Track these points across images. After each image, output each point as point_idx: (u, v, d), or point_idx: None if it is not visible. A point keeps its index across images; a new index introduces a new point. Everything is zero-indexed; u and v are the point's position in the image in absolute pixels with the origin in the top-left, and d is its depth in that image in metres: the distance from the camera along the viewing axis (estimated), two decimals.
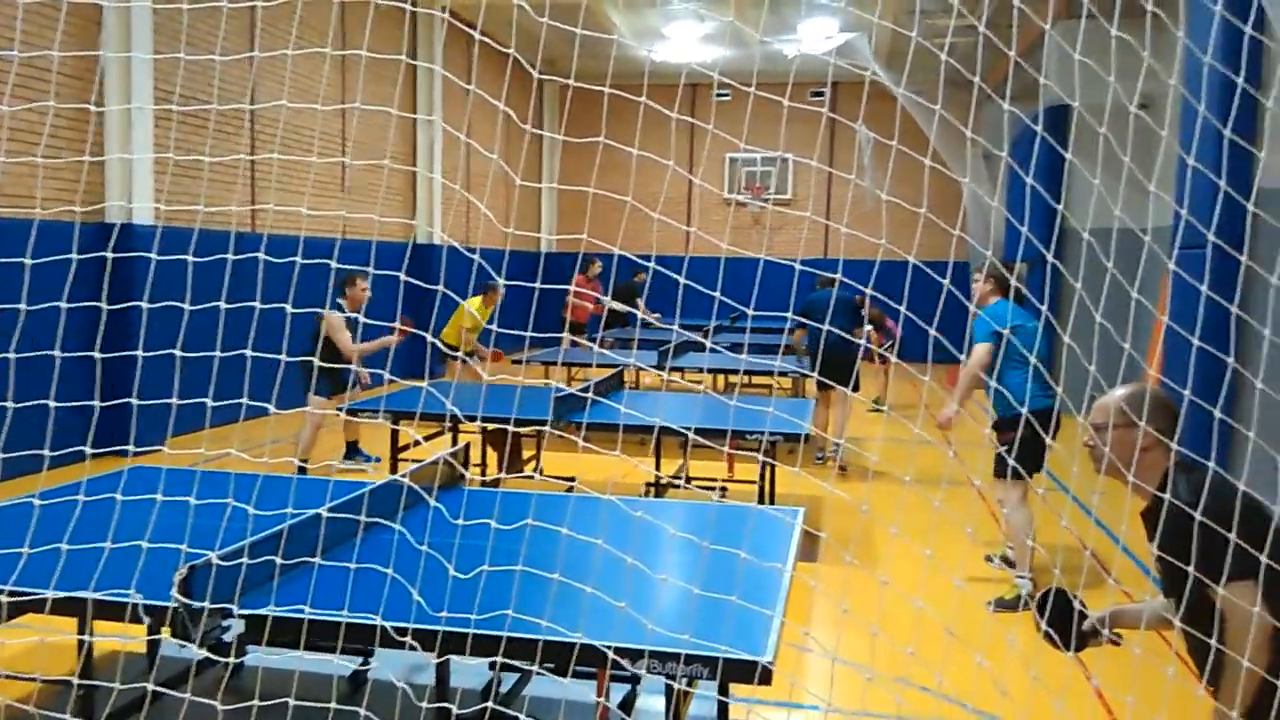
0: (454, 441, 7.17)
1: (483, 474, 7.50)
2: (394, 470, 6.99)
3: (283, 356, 2.61)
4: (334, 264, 2.81)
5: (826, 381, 8.79)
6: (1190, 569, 2.33)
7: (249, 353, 2.61)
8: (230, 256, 2.74)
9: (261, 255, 2.82)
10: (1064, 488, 7.77)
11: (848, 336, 7.53)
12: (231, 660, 2.63)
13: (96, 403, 2.74)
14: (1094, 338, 2.65)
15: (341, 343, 7.72)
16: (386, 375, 3.20)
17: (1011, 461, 5.13)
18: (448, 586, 2.70)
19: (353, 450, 8.65)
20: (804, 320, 8.87)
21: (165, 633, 2.67)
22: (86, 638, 3.26)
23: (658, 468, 7.38)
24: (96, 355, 2.90)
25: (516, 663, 2.56)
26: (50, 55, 6.82)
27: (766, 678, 2.46)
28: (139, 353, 2.81)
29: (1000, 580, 5.93)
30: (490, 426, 6.84)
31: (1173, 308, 6.87)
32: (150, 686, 2.78)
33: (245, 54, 9.96)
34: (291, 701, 2.56)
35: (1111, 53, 2.51)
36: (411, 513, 3.63)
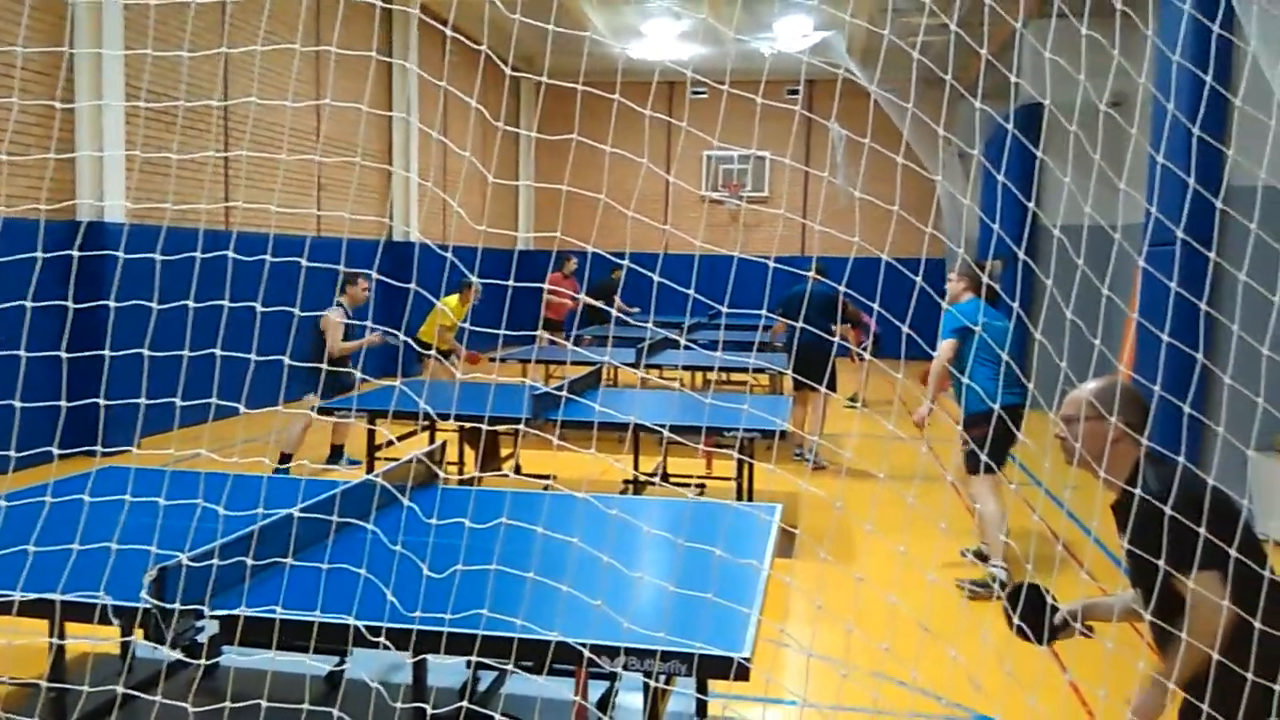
0: (431, 440, 7.14)
1: (460, 472, 7.47)
2: (370, 469, 6.96)
3: (253, 356, 2.59)
4: (304, 261, 2.78)
5: (802, 380, 8.83)
6: (1157, 560, 2.37)
7: (218, 352, 2.58)
8: (198, 255, 2.71)
9: (230, 253, 2.79)
10: (1037, 481, 7.84)
11: (822, 334, 7.55)
12: (203, 662, 2.60)
13: (63, 403, 2.71)
14: (1065, 334, 2.67)
15: (331, 340, 7.80)
16: (359, 375, 3.17)
17: (984, 457, 5.20)
18: (421, 585, 2.69)
19: (337, 454, 8.60)
20: (783, 316, 8.92)
21: (139, 634, 2.65)
22: (55, 640, 3.22)
23: (636, 465, 7.37)
24: (63, 355, 2.86)
25: (492, 661, 2.55)
26: (14, 51, 6.72)
27: (744, 674, 2.46)
28: (106, 352, 2.77)
29: (974, 573, 5.97)
30: (467, 425, 6.82)
31: (1143, 304, 6.95)
32: (120, 689, 2.75)
33: (217, 50, 9.87)
34: (264, 703, 2.54)
35: (1082, 52, 2.53)
36: (387, 512, 3.61)
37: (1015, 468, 8.22)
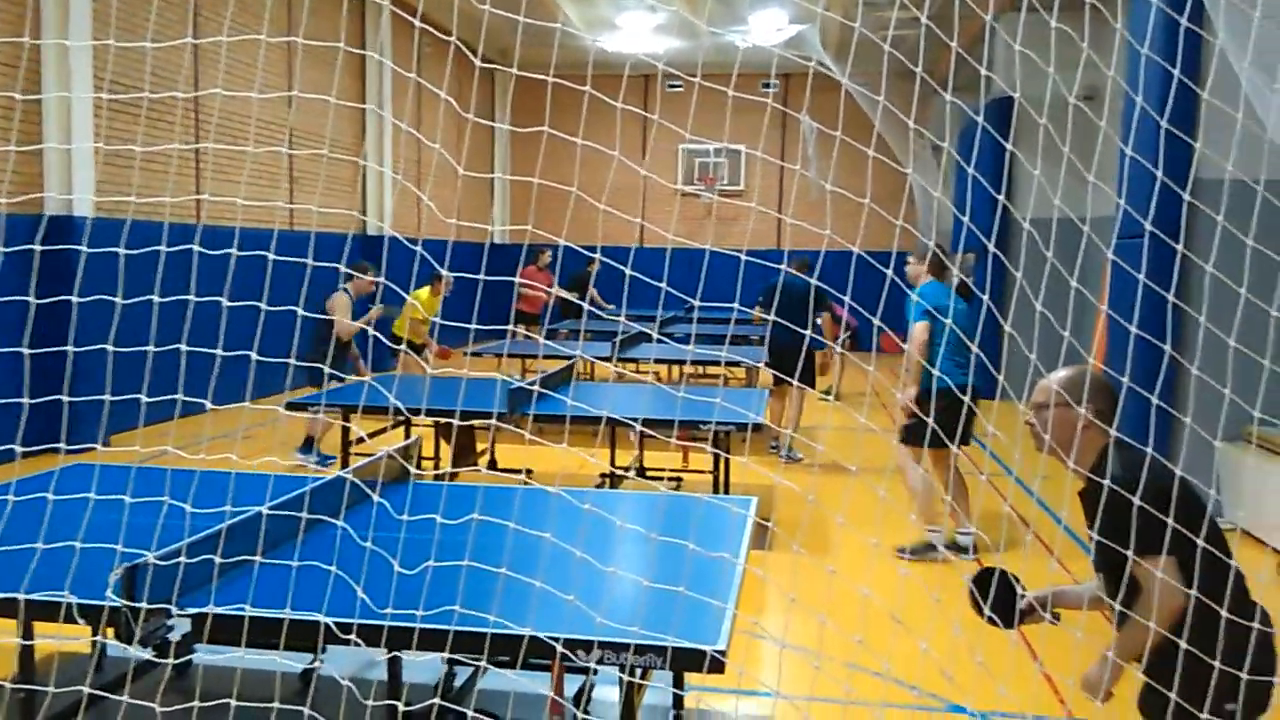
0: (407, 435, 7.10)
1: (436, 468, 7.43)
2: (345, 465, 6.91)
3: (218, 351, 2.56)
4: (271, 255, 2.75)
5: (778, 374, 8.85)
6: (1116, 545, 2.41)
7: (183, 347, 2.55)
8: (163, 249, 2.67)
9: (196, 247, 2.76)
10: (1008, 469, 7.90)
11: (794, 328, 7.59)
12: (172, 661, 2.57)
13: (26, 400, 2.66)
14: (1034, 326, 2.69)
15: (340, 322, 7.98)
16: (327, 370, 3.14)
17: (935, 432, 5.37)
18: (393, 582, 2.67)
19: (308, 445, 8.53)
20: (764, 307, 9.02)
21: (109, 634, 2.61)
22: (21, 640, 3.18)
23: (613, 459, 7.36)
24: (25, 351, 2.81)
25: (463, 657, 2.54)
26: None
27: (718, 666, 2.47)
28: (69, 348, 2.73)
29: (944, 564, 6.01)
30: (442, 420, 6.78)
31: (1113, 296, 7.01)
32: (86, 690, 2.71)
33: (187, 40, 9.75)
34: (233, 702, 2.51)
35: (1051, 45, 2.54)
36: (359, 509, 3.59)
37: (986, 456, 8.29)
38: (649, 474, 7.61)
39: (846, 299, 2.45)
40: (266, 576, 2.79)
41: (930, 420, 5.24)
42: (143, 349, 2.65)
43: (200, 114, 10.79)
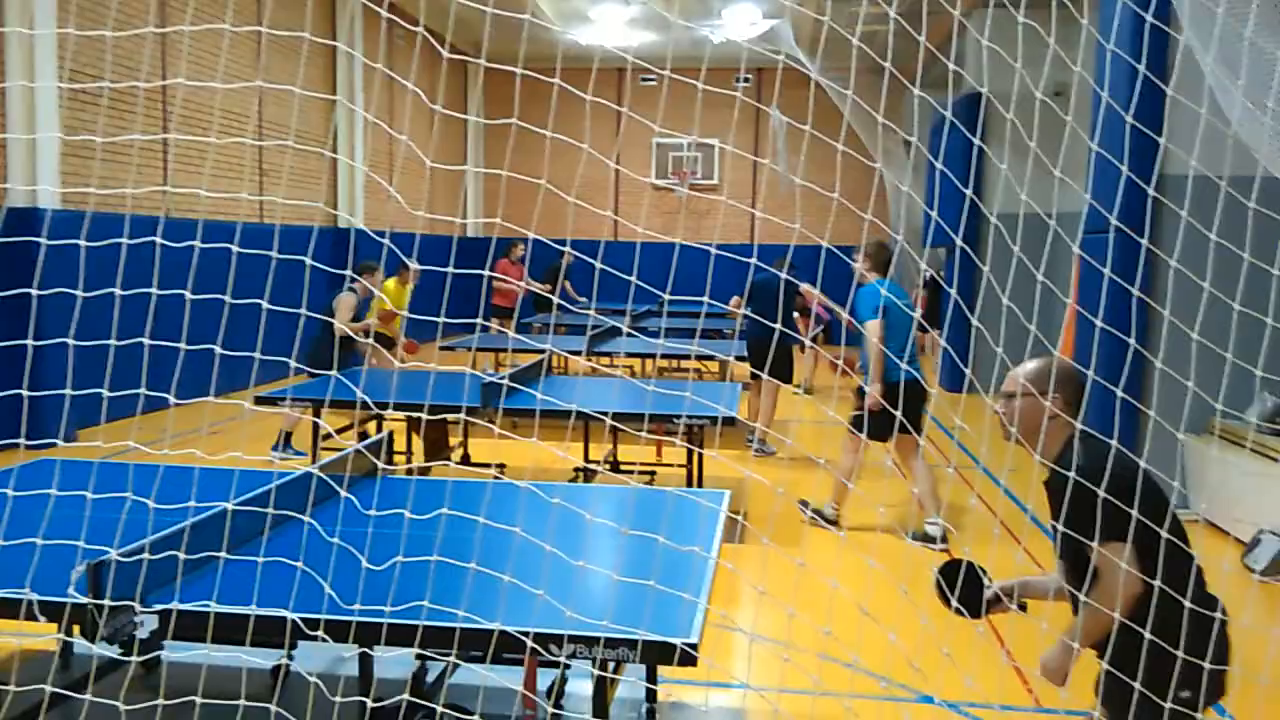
0: (379, 429, 7.05)
1: (409, 462, 7.39)
2: (314, 460, 6.85)
3: (182, 345, 2.52)
4: (235, 248, 2.71)
5: (756, 370, 8.89)
6: (1075, 533, 2.45)
7: (146, 340, 2.51)
8: (124, 240, 2.63)
9: (158, 239, 2.71)
10: (975, 460, 7.98)
11: (767, 323, 7.63)
12: (136, 658, 2.54)
13: None
14: (1001, 321, 2.71)
15: (340, 320, 8.07)
16: (292, 364, 3.11)
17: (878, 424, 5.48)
18: (361, 578, 2.65)
19: (287, 441, 8.46)
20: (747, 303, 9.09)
21: (76, 631, 2.58)
22: None
23: (586, 453, 7.35)
24: None
25: (431, 652, 2.53)
26: None
27: (690, 660, 2.47)
28: (29, 341, 2.68)
29: (920, 554, 6.06)
30: (414, 415, 6.74)
31: (1081, 291, 7.08)
32: (48, 688, 2.67)
33: (153, 29, 9.61)
34: (198, 700, 2.49)
35: (1018, 41, 2.56)
36: (327, 505, 3.56)
37: (954, 447, 8.36)
38: (622, 468, 7.60)
39: (818, 293, 2.46)
40: (233, 573, 2.76)
41: (869, 414, 5.51)
42: (106, 343, 2.61)
43: (167, 105, 10.65)
